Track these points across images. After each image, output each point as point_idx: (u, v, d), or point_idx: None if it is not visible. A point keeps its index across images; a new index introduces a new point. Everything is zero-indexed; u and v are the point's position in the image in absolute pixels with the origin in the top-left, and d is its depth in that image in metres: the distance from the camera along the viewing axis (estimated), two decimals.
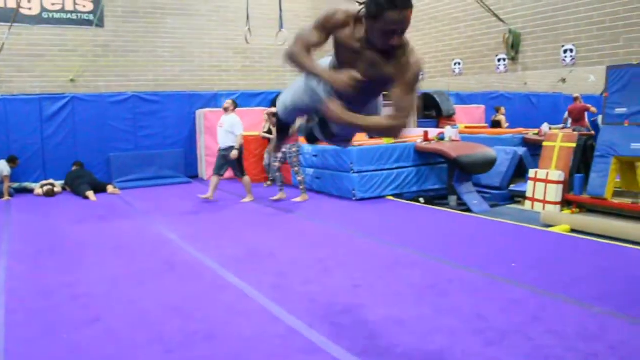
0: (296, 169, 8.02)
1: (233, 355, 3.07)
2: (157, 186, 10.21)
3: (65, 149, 10.09)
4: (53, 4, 10.23)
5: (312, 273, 4.58)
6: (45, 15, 10.19)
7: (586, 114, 10.37)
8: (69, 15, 10.37)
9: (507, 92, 12.87)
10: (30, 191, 9.55)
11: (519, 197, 7.97)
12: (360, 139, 8.29)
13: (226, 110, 7.96)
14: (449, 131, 8.82)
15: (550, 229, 6.06)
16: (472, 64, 10.02)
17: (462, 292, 4.00)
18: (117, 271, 4.74)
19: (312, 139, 2.93)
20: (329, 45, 2.32)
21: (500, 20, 9.13)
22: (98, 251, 5.49)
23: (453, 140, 8.59)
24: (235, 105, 8.12)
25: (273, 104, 10.82)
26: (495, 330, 3.27)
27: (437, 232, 6.05)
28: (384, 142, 8.20)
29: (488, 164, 7.79)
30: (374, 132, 2.47)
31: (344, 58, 2.27)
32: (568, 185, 7.27)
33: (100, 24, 10.59)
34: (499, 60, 9.25)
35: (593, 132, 8.27)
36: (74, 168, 9.82)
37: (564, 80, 11.51)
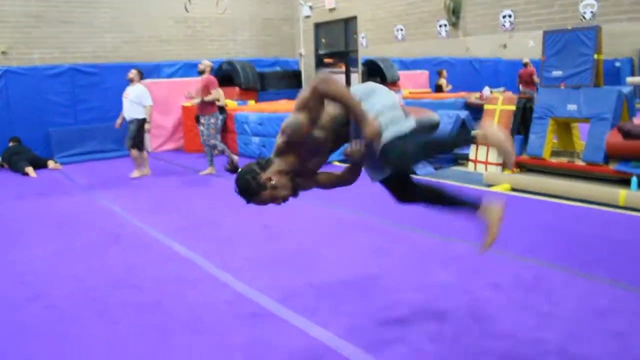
0: (212, 141, 7.65)
1: (181, 323, 3.07)
2: (100, 160, 9.95)
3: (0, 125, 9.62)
4: None
5: (258, 239, 4.60)
6: None
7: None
8: None
9: (450, 58, 13.01)
10: None
11: (462, 159, 8.17)
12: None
13: (131, 80, 7.73)
14: None
15: (492, 189, 6.29)
16: (414, 30, 10.10)
17: (406, 252, 4.12)
18: (60, 247, 4.62)
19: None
20: None
21: None
22: (39, 227, 5.32)
23: None
24: (141, 75, 7.89)
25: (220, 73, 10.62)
26: (439, 286, 3.41)
27: (381, 195, 6.14)
28: None
29: (431, 128, 7.90)
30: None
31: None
32: None
33: None
34: (440, 26, 9.35)
35: (529, 95, 8.51)
36: (10, 144, 9.38)
37: (504, 46, 11.74)
